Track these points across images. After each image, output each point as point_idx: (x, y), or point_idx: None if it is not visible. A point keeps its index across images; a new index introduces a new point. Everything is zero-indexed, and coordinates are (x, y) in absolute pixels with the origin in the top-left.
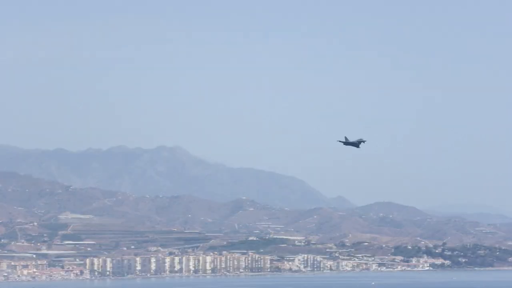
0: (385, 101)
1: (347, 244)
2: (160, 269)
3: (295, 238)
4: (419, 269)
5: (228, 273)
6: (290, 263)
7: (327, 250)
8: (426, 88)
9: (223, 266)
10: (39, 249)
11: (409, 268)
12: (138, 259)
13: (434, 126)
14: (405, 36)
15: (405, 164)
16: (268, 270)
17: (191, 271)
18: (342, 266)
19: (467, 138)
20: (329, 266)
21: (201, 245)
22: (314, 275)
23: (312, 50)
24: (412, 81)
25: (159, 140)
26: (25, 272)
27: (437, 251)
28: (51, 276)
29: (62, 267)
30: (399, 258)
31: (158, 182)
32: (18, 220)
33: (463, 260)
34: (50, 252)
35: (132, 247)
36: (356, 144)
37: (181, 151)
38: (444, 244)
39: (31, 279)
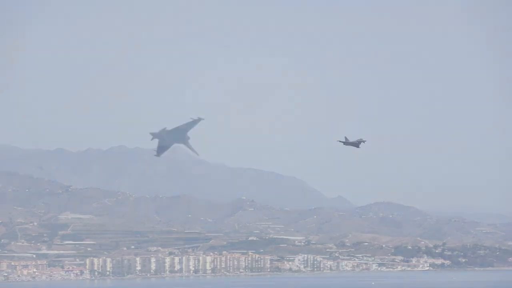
0: (385, 101)
1: (347, 244)
2: (160, 269)
3: (295, 238)
4: (419, 269)
5: (228, 273)
6: (290, 263)
7: (327, 250)
8: (426, 88)
9: (223, 266)
10: (39, 249)
11: (409, 268)
12: (138, 259)
13: (434, 126)
14: (405, 37)
15: (405, 164)
16: (268, 270)
17: (191, 271)
18: (342, 266)
19: (467, 138)
20: (329, 266)
21: (201, 245)
22: (314, 275)
23: (311, 49)
24: (413, 81)
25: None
26: (25, 272)
27: (437, 251)
28: (51, 276)
29: (62, 267)
30: (399, 258)
31: (158, 182)
32: (18, 220)
33: (463, 260)
34: (50, 252)
35: (132, 247)
36: (356, 144)
37: (181, 151)
38: (444, 244)
39: (31, 279)
